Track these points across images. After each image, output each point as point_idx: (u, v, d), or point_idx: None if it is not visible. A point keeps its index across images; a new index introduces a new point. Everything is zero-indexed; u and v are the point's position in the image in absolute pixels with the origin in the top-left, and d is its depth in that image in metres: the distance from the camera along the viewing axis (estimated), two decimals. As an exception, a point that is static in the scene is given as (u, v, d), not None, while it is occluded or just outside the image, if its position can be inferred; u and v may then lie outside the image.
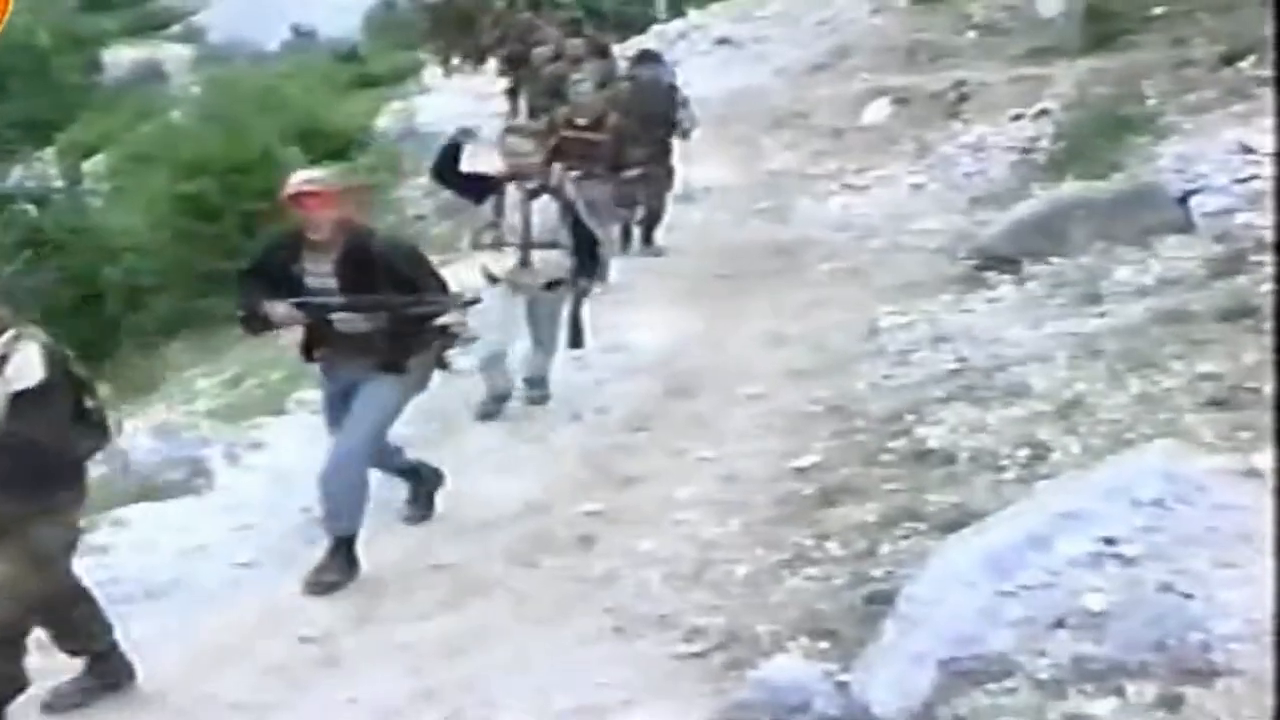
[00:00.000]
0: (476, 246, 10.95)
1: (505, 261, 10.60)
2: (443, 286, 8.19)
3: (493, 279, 10.61)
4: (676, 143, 15.83)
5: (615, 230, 14.37)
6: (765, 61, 23.05)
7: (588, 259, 10.73)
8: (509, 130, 11.75)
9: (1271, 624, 4.32)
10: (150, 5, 58.47)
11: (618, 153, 14.25)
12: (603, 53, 19.24)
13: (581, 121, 14.30)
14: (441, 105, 24.90)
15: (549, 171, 10.90)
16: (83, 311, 18.86)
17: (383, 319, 7.98)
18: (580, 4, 28.10)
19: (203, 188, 18.69)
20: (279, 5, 50.84)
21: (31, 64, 40.06)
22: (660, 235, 15.76)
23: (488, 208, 10.69)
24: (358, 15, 48.25)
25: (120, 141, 26.95)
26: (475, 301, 8.61)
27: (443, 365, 8.52)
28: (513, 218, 10.58)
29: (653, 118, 15.40)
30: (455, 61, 27.80)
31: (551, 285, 10.68)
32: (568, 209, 10.62)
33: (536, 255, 10.56)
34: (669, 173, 15.71)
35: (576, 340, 10.94)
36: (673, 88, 16.15)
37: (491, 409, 10.63)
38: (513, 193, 10.60)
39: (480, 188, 10.82)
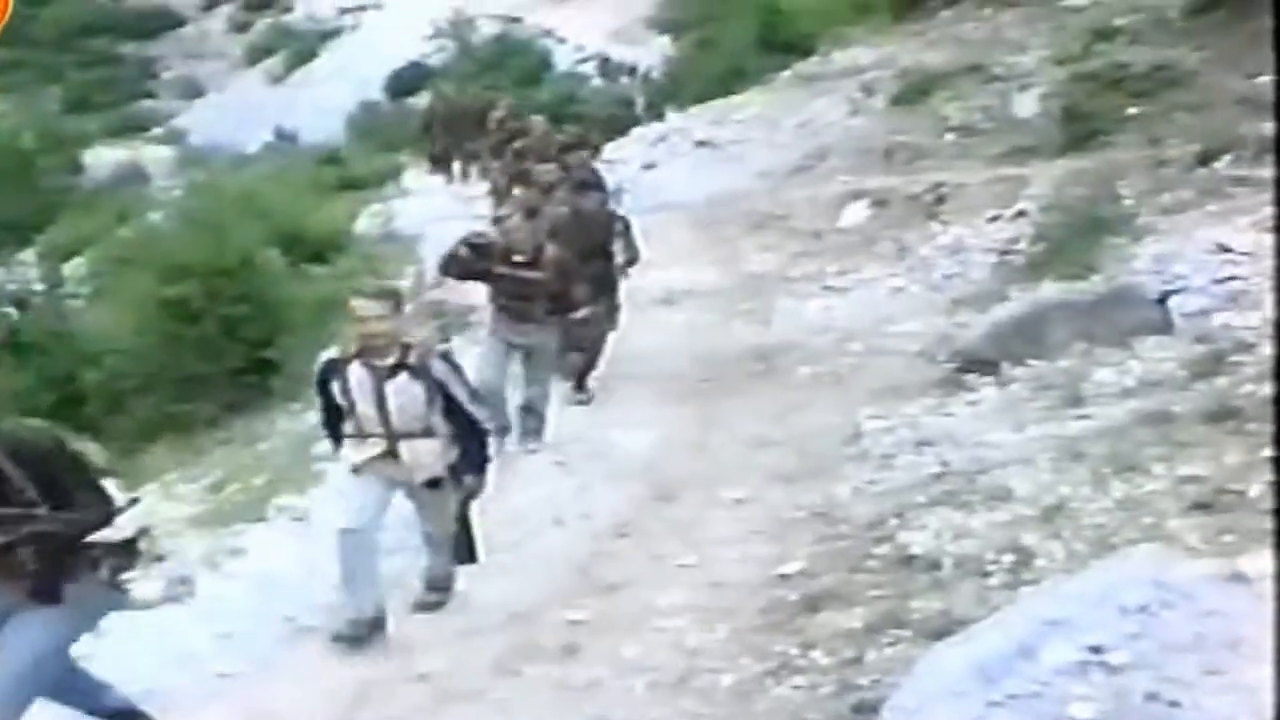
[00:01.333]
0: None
1: (366, 450, 8.72)
2: (97, 489, 6.58)
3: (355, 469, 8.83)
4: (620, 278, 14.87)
5: (563, 383, 13.42)
6: (744, 163, 23.12)
7: (474, 451, 8.73)
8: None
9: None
10: (132, 107, 58.79)
11: (561, 292, 12.42)
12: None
13: (518, 257, 12.27)
14: (420, 208, 24.99)
15: (406, 343, 8.66)
16: (62, 414, 18.78)
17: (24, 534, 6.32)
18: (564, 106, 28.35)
19: (185, 291, 18.69)
20: (261, 108, 51.19)
21: (14, 165, 40.15)
22: (633, 345, 15.40)
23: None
24: (340, 118, 48.45)
25: (101, 243, 26.95)
26: (135, 502, 6.91)
27: (116, 588, 6.72)
28: (363, 404, 8.57)
29: (591, 250, 13.88)
30: (456, 166, 27.81)
31: (432, 484, 8.74)
32: (437, 390, 8.53)
33: (405, 446, 8.62)
34: (611, 311, 14.28)
35: (466, 553, 9.05)
36: (613, 216, 14.89)
37: (349, 634, 8.55)
38: (357, 372, 8.55)
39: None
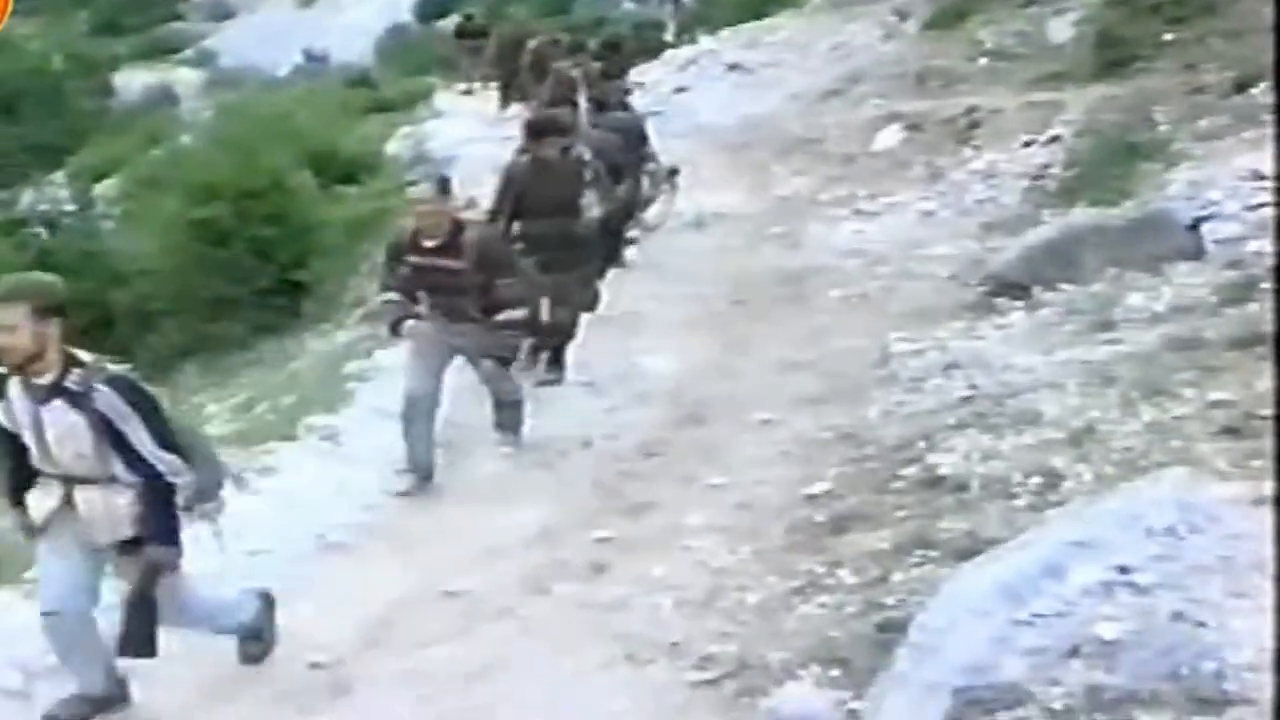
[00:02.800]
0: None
1: (47, 501, 6.85)
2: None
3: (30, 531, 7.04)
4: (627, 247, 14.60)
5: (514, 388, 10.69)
6: (776, 87, 23.05)
7: (157, 512, 6.71)
8: None
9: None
10: (162, 30, 58.72)
11: (486, 286, 9.84)
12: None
13: (429, 242, 9.85)
14: (452, 130, 24.95)
15: (72, 358, 6.63)
16: (93, 335, 18.82)
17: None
18: (594, 31, 28.21)
19: (214, 213, 18.72)
20: (290, 30, 51.15)
21: (44, 88, 40.23)
22: (665, 268, 15.53)
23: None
24: (369, 40, 48.40)
25: (131, 166, 27.02)
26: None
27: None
28: (27, 434, 6.69)
29: (563, 208, 11.65)
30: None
31: (125, 547, 6.77)
32: (104, 427, 6.52)
33: (79, 496, 6.72)
34: (592, 296, 12.26)
35: (140, 643, 6.79)
36: (581, 163, 12.04)
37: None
38: (16, 391, 6.66)
39: None
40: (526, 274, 10.73)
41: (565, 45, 23.07)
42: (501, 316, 9.95)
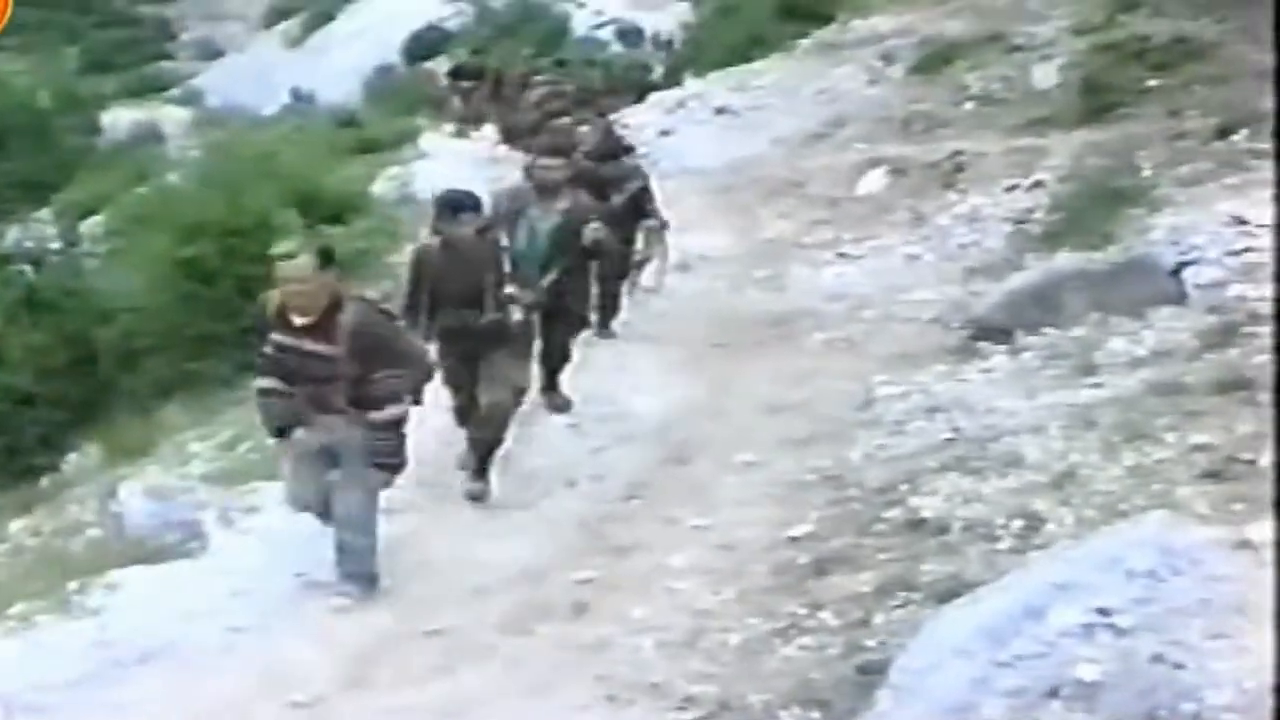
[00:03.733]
0: None
1: None
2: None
3: None
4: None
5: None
6: (763, 130, 23.10)
7: None
8: None
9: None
10: (150, 68, 58.82)
11: (361, 376, 8.49)
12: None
13: (298, 319, 8.51)
14: (438, 171, 24.97)
15: None
16: (76, 373, 18.85)
17: None
18: (580, 72, 28.28)
19: (200, 251, 18.67)
20: (278, 70, 51.15)
21: (31, 125, 40.21)
22: (650, 309, 15.33)
23: None
24: (357, 80, 48.42)
25: (118, 203, 26.94)
26: None
27: None
28: None
29: (480, 297, 10.29)
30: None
31: None
32: None
33: None
34: (515, 392, 10.50)
35: None
36: (497, 246, 10.53)
37: None
38: None
39: None
40: (416, 365, 8.97)
41: (571, 95, 23.05)
42: (378, 415, 8.51)
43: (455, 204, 10.40)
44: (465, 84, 31.50)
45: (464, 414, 10.54)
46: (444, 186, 11.38)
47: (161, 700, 7.41)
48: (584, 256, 11.86)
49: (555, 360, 11.92)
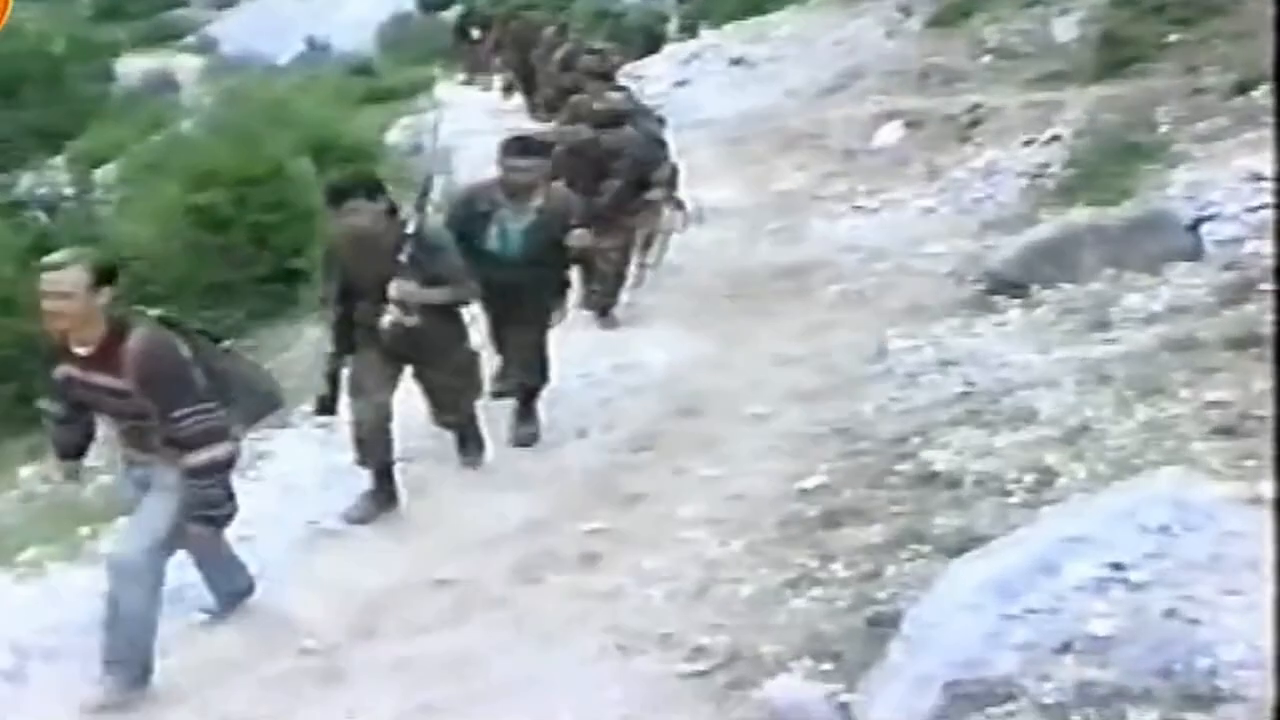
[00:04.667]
0: None
1: None
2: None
3: None
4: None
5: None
6: (778, 82, 23.04)
7: None
8: None
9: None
10: (163, 16, 58.54)
11: (163, 413, 7.01)
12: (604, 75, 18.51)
13: (79, 349, 7.07)
14: (452, 120, 24.91)
15: None
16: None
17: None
18: (596, 23, 28.16)
19: (213, 199, 18.67)
20: (292, 18, 50.95)
21: (45, 72, 40.10)
22: (669, 256, 14.68)
23: None
24: (371, 29, 48.29)
25: (131, 151, 26.94)
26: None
27: None
28: None
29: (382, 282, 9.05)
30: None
31: None
32: None
33: None
34: (477, 381, 9.94)
35: None
36: (401, 233, 9.09)
37: None
38: None
39: None
40: (246, 394, 7.62)
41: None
42: (193, 459, 7.04)
43: (338, 191, 9.26)
44: (474, 34, 31.32)
45: (359, 432, 9.18)
46: (336, 176, 10.72)
47: (170, 648, 7.40)
48: (566, 260, 10.79)
49: (517, 374, 10.67)
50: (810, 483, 8.37)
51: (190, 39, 55.29)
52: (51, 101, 38.80)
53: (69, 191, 23.05)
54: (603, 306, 13.42)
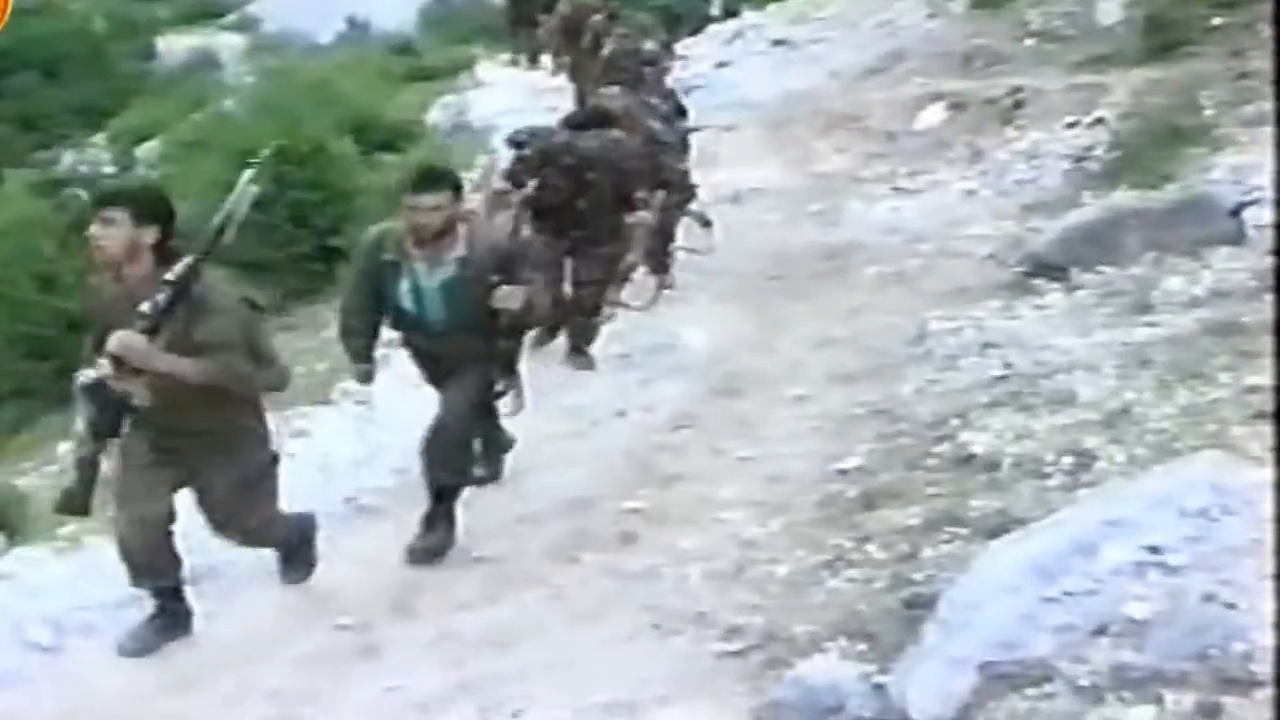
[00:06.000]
0: None
1: None
2: None
3: None
4: None
5: None
6: (820, 63, 22.97)
7: None
8: None
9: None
10: (206, -6, 58.73)
11: None
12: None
13: None
14: (494, 100, 24.94)
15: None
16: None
17: None
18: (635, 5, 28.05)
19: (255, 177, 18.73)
20: (334, -3, 51.02)
21: (86, 51, 40.33)
22: (710, 239, 13.90)
23: None
24: (412, 8, 48.34)
25: (173, 128, 27.07)
26: None
27: None
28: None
29: None
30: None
31: None
32: None
33: None
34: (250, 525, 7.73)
35: None
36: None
37: None
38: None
39: None
40: None
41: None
42: None
43: None
44: (536, 15, 30.79)
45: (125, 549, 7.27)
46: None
47: (207, 623, 7.45)
48: (499, 324, 8.32)
49: (425, 467, 8.43)
50: (848, 464, 8.36)
51: (231, 17, 55.36)
52: (93, 79, 39.06)
53: (110, 169, 23.15)
54: (575, 344, 11.71)
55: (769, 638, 6.31)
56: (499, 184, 10.93)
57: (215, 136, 21.70)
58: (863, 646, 5.90)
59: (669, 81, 15.56)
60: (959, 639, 4.98)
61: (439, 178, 8.28)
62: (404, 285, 8.21)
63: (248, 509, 7.48)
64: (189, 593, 7.51)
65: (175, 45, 47.47)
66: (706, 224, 13.47)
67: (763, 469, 8.80)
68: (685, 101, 15.43)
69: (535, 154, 11.22)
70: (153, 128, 28.96)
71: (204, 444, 7.24)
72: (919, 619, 5.59)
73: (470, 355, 8.31)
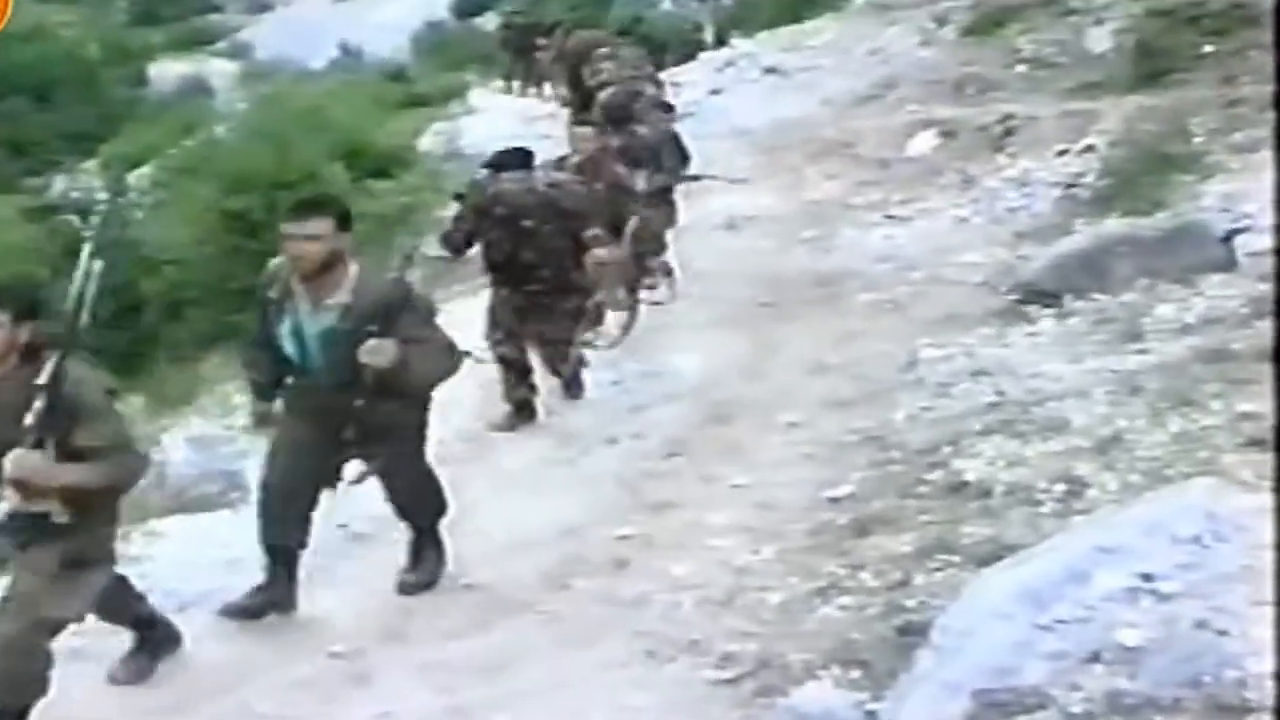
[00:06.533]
0: None
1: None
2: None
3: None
4: None
5: None
6: (812, 91, 22.99)
7: None
8: None
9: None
10: (197, 21, 58.97)
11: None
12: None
13: None
14: (487, 126, 24.96)
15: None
16: (121, 323, 18.97)
17: None
18: (629, 30, 28.13)
19: (246, 204, 18.76)
20: (326, 24, 51.26)
21: (79, 76, 40.42)
22: (672, 290, 13.15)
23: None
24: (405, 35, 48.50)
25: (164, 155, 27.10)
26: None
27: None
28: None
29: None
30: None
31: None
32: None
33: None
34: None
35: None
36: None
37: None
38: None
39: None
40: None
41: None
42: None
43: None
44: (537, 40, 30.63)
45: None
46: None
47: (199, 649, 7.43)
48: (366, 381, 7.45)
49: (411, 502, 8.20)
50: (840, 491, 8.37)
51: (224, 44, 55.69)
52: (85, 105, 39.17)
53: (102, 195, 23.17)
54: (517, 402, 10.87)
55: (762, 665, 6.32)
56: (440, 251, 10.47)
57: (207, 163, 21.75)
58: (856, 674, 5.91)
59: (672, 125, 15.05)
60: (952, 666, 4.98)
61: (318, 204, 7.72)
62: (285, 326, 7.57)
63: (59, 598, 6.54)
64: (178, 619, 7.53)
65: (167, 71, 47.65)
66: (668, 273, 12.78)
67: (755, 496, 8.79)
68: (689, 147, 15.03)
69: (467, 211, 10.66)
70: (144, 154, 28.99)
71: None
72: (912, 646, 5.60)
73: (347, 414, 7.51)
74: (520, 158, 10.73)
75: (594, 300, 10.91)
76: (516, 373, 10.71)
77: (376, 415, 7.47)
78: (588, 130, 12.50)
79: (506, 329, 10.62)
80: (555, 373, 11.00)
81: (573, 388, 11.23)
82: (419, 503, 8.11)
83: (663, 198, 13.79)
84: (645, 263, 12.14)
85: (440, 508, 8.19)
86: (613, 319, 11.69)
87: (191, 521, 9.31)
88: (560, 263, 10.50)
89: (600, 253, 10.61)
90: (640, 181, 12.60)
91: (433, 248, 9.54)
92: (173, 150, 26.99)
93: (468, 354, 8.34)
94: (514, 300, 10.57)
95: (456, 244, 10.66)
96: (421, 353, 7.43)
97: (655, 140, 13.89)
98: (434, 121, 27.80)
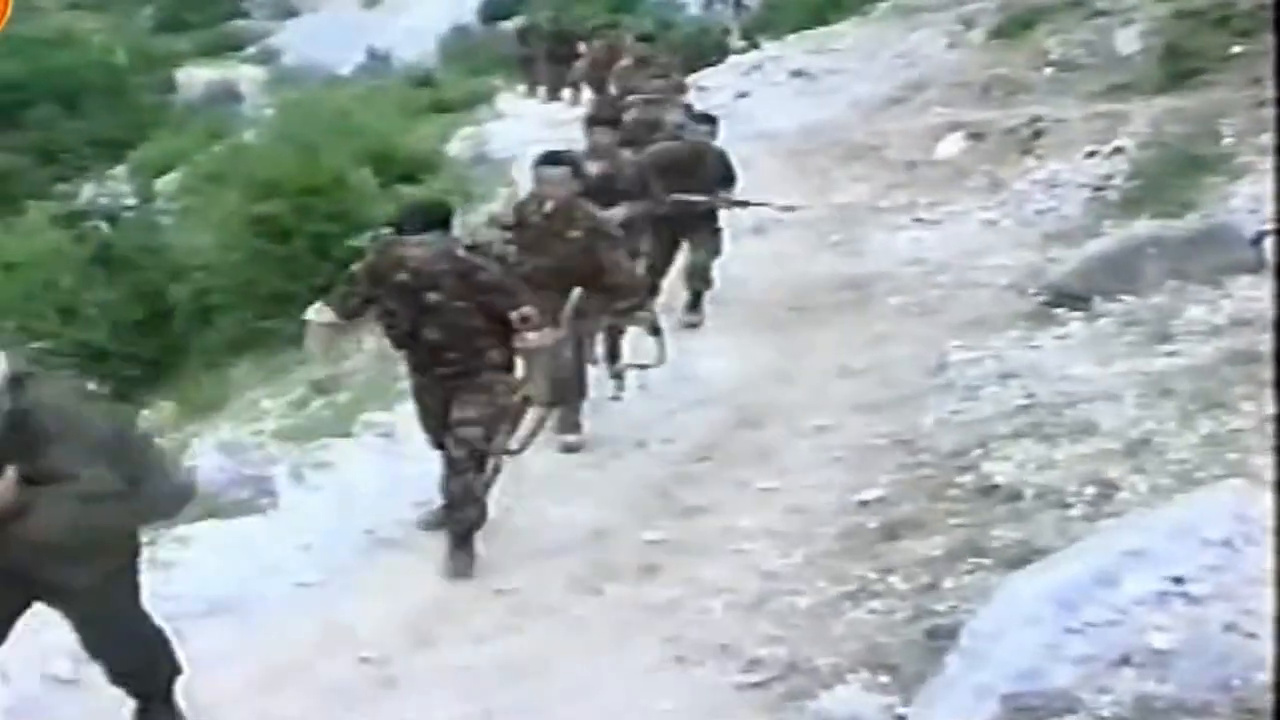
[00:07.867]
0: None
1: None
2: None
3: None
4: None
5: None
6: (839, 94, 22.96)
7: None
8: None
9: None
10: (225, 27, 58.97)
11: None
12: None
13: None
14: (513, 132, 24.98)
15: None
16: (150, 329, 19.00)
17: None
18: (657, 34, 28.08)
19: (274, 209, 18.74)
20: (354, 29, 51.27)
21: (107, 83, 40.52)
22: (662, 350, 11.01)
23: None
24: (432, 40, 48.50)
25: (193, 161, 27.12)
26: None
27: None
28: None
29: None
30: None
31: None
32: None
33: None
34: None
35: None
36: None
37: None
38: None
39: None
40: None
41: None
42: None
43: None
44: (567, 48, 30.39)
45: None
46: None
47: (228, 655, 7.43)
48: None
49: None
50: (870, 495, 8.37)
51: (252, 50, 55.68)
52: (113, 112, 39.25)
53: (130, 201, 23.19)
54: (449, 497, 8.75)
55: (791, 669, 6.32)
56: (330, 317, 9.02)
57: (235, 169, 21.71)
58: (885, 678, 5.90)
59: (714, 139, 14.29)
60: (981, 669, 4.98)
61: None
62: None
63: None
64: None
65: (195, 77, 47.74)
66: (656, 331, 10.69)
67: (784, 500, 8.79)
68: (734, 165, 14.23)
69: (363, 272, 8.93)
70: (173, 160, 29.01)
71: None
72: (941, 650, 5.59)
73: None
74: (440, 215, 8.66)
75: (519, 394, 8.74)
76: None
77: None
78: (555, 173, 10.23)
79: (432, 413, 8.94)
80: (466, 471, 8.62)
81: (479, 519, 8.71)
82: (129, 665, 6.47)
83: (706, 225, 13.57)
84: (635, 315, 10.66)
85: (172, 669, 6.59)
86: (532, 417, 9.16)
87: (220, 527, 9.30)
88: (472, 344, 8.51)
89: (531, 337, 8.48)
90: (620, 211, 11.36)
91: (322, 313, 8.62)
92: (201, 156, 27.02)
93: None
94: (424, 384, 8.93)
95: (350, 310, 9.02)
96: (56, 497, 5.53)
97: (643, 168, 12.77)
98: (461, 126, 27.80)
